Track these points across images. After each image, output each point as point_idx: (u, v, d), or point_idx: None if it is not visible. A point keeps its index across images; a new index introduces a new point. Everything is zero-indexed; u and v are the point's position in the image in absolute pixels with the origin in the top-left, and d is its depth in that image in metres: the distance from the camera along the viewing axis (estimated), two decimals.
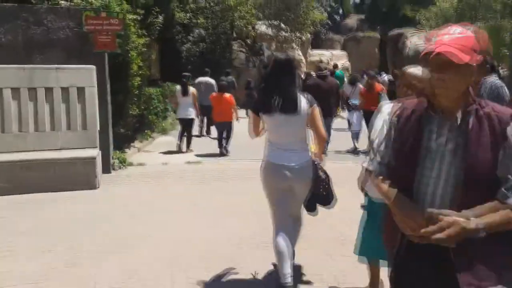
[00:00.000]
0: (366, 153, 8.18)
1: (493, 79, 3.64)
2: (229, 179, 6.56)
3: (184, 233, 4.30)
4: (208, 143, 9.87)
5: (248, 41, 17.51)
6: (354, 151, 8.79)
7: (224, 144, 8.63)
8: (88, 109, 6.37)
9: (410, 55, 20.81)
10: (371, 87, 8.68)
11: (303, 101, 2.98)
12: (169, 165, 7.60)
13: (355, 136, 8.97)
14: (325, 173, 3.13)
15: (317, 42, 27.35)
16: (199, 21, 14.87)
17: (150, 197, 5.68)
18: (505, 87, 3.64)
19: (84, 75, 6.36)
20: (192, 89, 9.08)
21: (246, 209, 4.89)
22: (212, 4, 15.07)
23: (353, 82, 10.73)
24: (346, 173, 5.02)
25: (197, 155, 8.49)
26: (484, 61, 1.53)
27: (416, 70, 1.78)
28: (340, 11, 41.52)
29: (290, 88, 2.98)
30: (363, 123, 8.71)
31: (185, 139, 8.95)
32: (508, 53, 8.35)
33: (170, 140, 10.31)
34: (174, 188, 6.10)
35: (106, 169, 6.76)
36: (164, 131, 11.06)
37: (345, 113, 10.18)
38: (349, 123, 9.48)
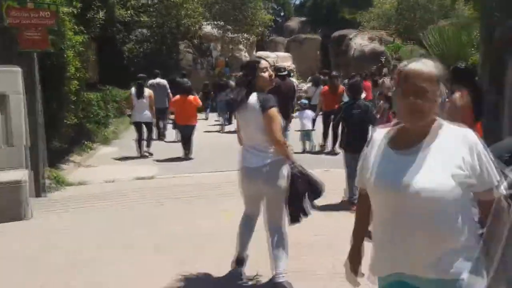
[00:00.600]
0: (331, 152, 8.24)
1: None
2: (191, 199, 5.57)
3: (140, 282, 3.35)
4: (166, 149, 9.06)
5: (195, 41, 16.54)
6: (307, 151, 8.60)
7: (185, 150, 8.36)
8: (13, 120, 5.18)
9: (355, 56, 21.03)
10: (336, 88, 8.50)
11: (254, 101, 2.93)
12: (116, 182, 6.50)
13: (307, 136, 8.70)
14: (300, 170, 2.98)
15: (261, 44, 27.09)
16: (142, 19, 13.68)
17: (94, 228, 4.57)
18: None
19: (7, 79, 5.16)
20: (148, 92, 8.65)
21: (220, 243, 3.82)
22: (155, 1, 13.90)
23: (316, 83, 10.73)
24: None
25: (157, 161, 8.11)
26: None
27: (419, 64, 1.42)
28: (282, 13, 41.73)
29: (241, 89, 3.01)
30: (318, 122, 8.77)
31: (144, 143, 8.57)
32: (474, 53, 8.23)
33: (114, 151, 9.16)
34: (124, 214, 5.06)
35: (39, 192, 5.60)
36: (106, 141, 9.84)
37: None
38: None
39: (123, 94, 12.44)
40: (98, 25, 10.14)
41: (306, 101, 9.46)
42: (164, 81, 10.40)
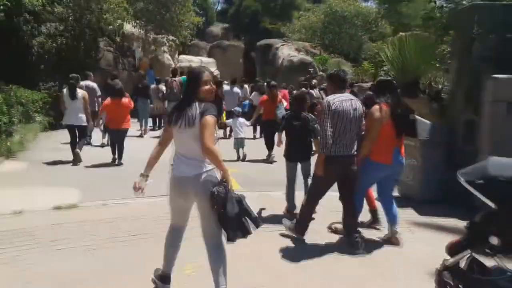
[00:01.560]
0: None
1: None
2: (136, 240, 4.30)
3: None
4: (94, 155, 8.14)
5: (118, 39, 14.83)
6: (241, 159, 8.57)
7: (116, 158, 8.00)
8: None
9: (284, 65, 20.81)
10: (275, 97, 8.37)
11: (194, 109, 2.84)
12: (24, 215, 4.94)
13: (240, 144, 8.65)
14: (225, 189, 2.70)
15: (183, 48, 25.99)
16: (56, 9, 11.76)
17: None
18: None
19: None
20: (82, 93, 8.19)
21: None
22: None
23: (262, 91, 10.70)
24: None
25: (86, 167, 7.48)
26: None
27: None
28: (204, 18, 40.60)
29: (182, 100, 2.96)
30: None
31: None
32: (439, 66, 8.13)
33: (21, 167, 7.43)
34: (36, 268, 3.60)
35: None
36: (10, 154, 8.02)
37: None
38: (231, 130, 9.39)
39: (30, 95, 10.50)
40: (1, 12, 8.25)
41: (239, 109, 9.48)
42: (93, 84, 10.05)
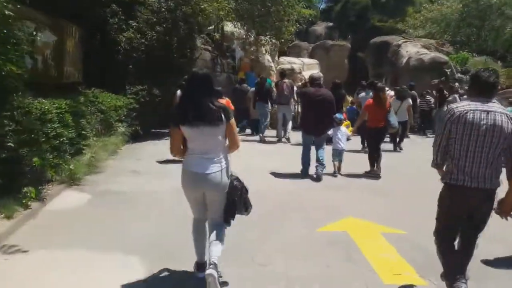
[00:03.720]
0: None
1: None
2: None
3: None
4: None
5: (217, 35, 12.71)
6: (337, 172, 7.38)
7: None
8: None
9: (411, 64, 16.95)
10: (382, 102, 7.39)
11: (217, 112, 3.07)
12: None
13: (339, 155, 7.44)
14: (240, 183, 3.26)
15: (283, 49, 23.72)
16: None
17: None
18: None
19: None
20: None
21: None
22: None
23: (402, 97, 10.09)
24: None
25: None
26: None
27: None
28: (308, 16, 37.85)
29: (205, 101, 3.08)
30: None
31: None
32: None
33: (78, 202, 5.34)
34: None
35: None
36: (73, 181, 6.00)
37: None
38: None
39: (113, 101, 8.68)
40: None
41: (341, 116, 7.91)
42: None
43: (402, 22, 25.05)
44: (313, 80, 7.22)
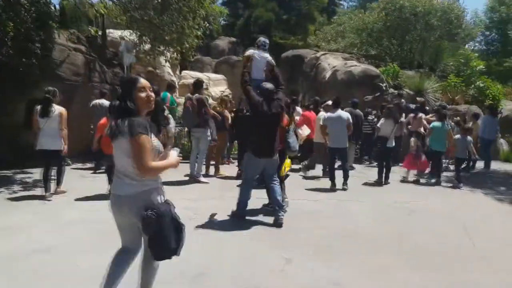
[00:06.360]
0: None
1: None
2: None
3: None
4: None
5: (93, 31, 8.61)
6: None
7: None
8: None
9: (339, 79, 14.50)
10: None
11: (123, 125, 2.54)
12: None
13: None
14: (157, 214, 2.51)
15: (183, 63, 20.39)
16: None
17: None
18: None
19: None
20: (59, 110, 6.13)
21: None
22: None
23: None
24: None
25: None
26: None
27: None
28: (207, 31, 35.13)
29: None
30: None
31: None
32: None
33: None
34: None
35: None
36: None
37: None
38: None
39: None
40: None
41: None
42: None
43: (312, 35, 23.32)
44: None
